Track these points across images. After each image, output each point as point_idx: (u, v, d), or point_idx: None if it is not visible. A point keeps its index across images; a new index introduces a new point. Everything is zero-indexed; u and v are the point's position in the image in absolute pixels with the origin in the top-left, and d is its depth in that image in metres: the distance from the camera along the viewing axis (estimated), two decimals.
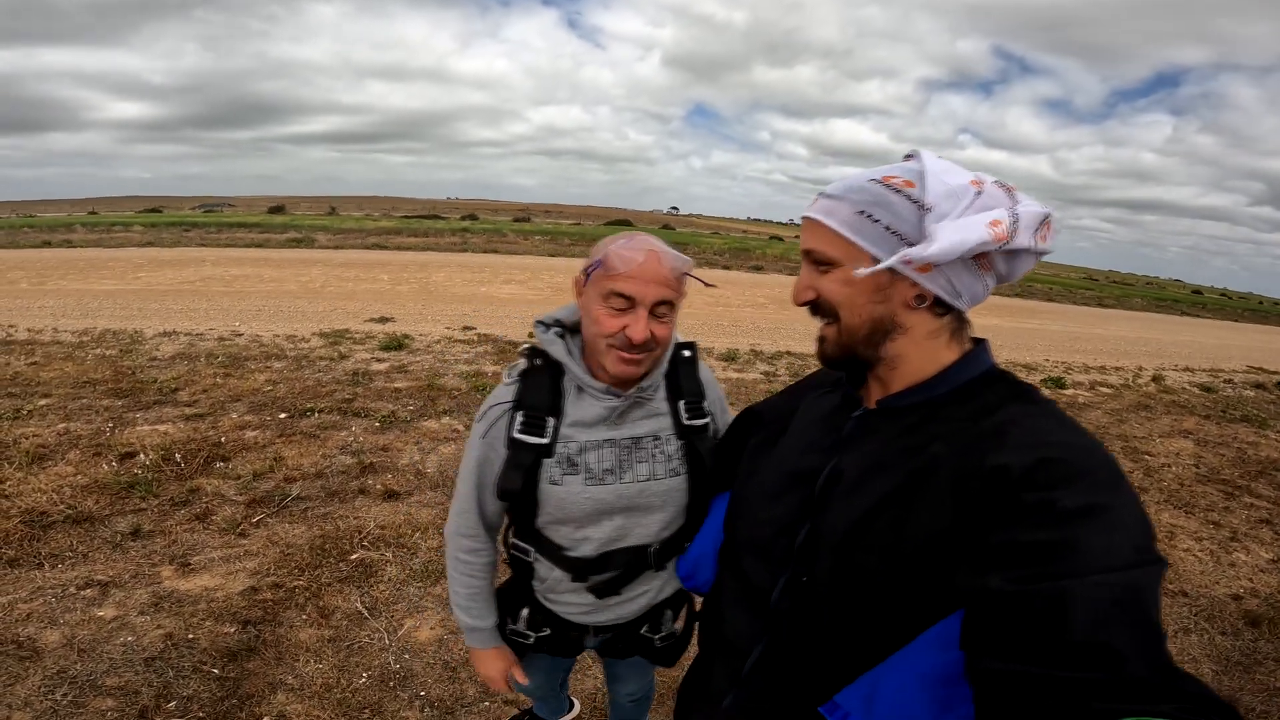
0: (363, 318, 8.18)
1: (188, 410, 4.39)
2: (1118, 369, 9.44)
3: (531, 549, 1.15)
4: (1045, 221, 0.70)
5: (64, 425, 4.01)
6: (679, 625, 1.31)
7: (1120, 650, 0.51)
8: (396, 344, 6.63)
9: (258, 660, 2.15)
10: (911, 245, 0.70)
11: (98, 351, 5.98)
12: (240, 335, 6.93)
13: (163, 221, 29.16)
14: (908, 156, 0.77)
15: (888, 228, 0.72)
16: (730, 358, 7.28)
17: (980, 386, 0.76)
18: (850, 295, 0.76)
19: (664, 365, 1.12)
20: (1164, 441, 5.69)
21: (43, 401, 4.45)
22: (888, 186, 0.72)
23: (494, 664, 1.24)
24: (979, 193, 0.70)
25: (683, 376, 1.15)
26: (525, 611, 1.21)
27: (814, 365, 0.92)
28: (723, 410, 1.22)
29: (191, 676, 2.06)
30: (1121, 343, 13.24)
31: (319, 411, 4.47)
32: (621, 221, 59.48)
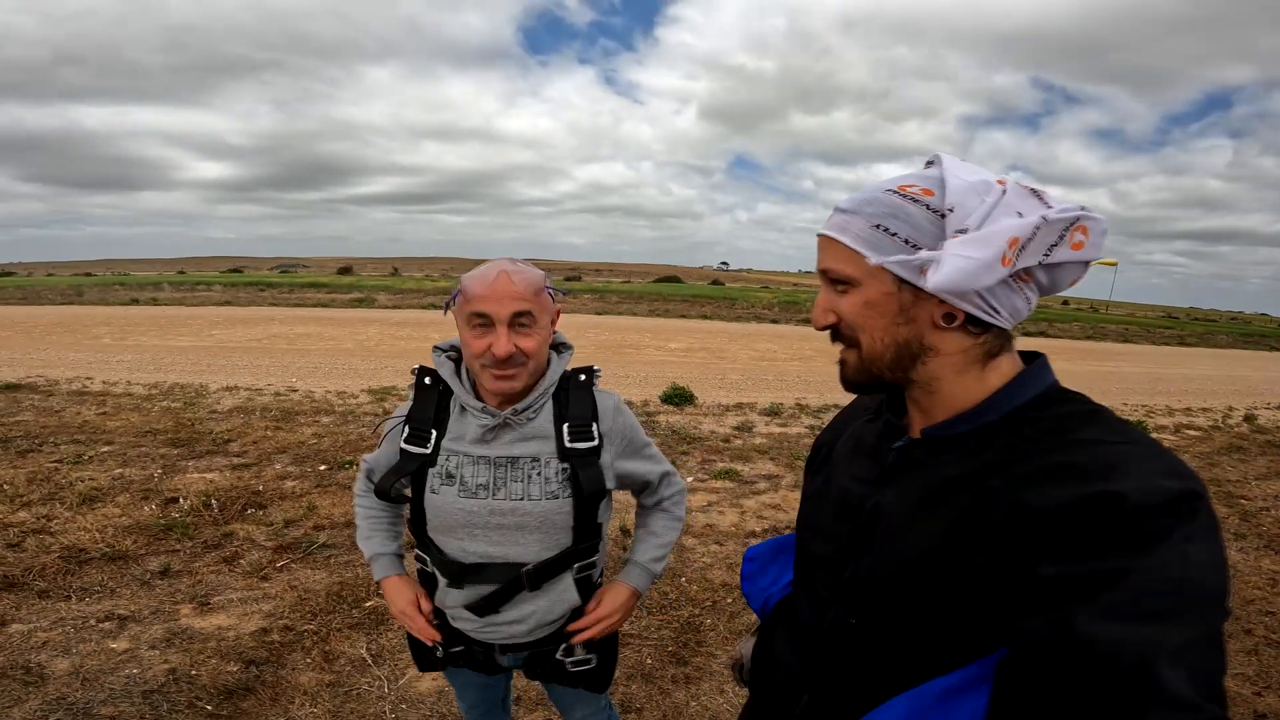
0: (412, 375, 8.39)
1: (236, 460, 4.54)
2: (1205, 410, 8.72)
3: (428, 559, 1.19)
4: (1077, 225, 0.61)
5: (120, 470, 4.21)
6: (594, 654, 1.26)
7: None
8: None
9: (253, 700, 2.12)
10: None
11: (164, 404, 6.32)
12: (295, 391, 7.22)
13: (241, 281, 31.33)
14: (929, 163, 0.71)
15: (906, 240, 0.65)
16: (774, 412, 7.04)
17: (1039, 410, 0.67)
18: (870, 317, 0.69)
19: (547, 386, 1.15)
20: (1261, 484, 5.17)
21: (105, 448, 4.69)
22: (904, 196, 0.67)
23: (397, 593, 1.25)
24: (1004, 191, 0.63)
25: (572, 400, 1.17)
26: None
27: None
28: (629, 439, 1.21)
29: (184, 712, 2.04)
30: (1208, 382, 12.32)
31: (358, 464, 4.53)
32: (671, 278, 59.89)
